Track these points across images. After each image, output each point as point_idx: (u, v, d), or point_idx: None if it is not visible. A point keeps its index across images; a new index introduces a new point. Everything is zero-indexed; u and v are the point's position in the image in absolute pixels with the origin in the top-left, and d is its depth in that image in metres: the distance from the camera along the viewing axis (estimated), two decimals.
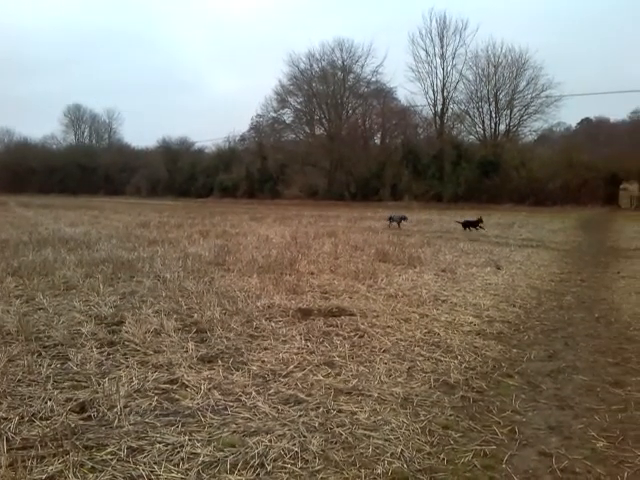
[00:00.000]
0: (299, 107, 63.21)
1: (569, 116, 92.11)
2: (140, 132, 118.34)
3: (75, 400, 3.85)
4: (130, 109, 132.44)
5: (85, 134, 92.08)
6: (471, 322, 6.53)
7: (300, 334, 5.67)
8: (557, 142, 56.82)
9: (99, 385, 4.12)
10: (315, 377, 4.49)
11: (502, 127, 53.93)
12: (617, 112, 76.10)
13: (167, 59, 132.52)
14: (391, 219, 21.93)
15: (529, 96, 51.76)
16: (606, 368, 5.12)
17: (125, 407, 3.77)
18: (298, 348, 5.23)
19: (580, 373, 4.94)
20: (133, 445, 3.27)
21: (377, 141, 62.26)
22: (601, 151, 46.88)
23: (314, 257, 11.18)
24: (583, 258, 13.65)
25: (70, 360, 4.67)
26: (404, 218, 21.58)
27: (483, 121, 54.28)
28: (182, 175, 71.58)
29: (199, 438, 3.38)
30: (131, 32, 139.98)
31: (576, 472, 3.21)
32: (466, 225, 20.07)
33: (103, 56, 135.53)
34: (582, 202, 41.47)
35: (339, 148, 56.52)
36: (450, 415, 3.90)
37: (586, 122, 64.03)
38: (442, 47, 54.85)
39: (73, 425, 3.48)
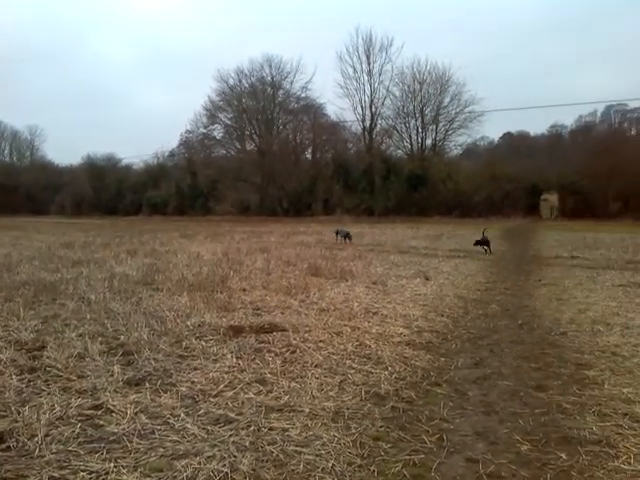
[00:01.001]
0: (229, 123, 62.70)
1: (492, 130, 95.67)
2: (66, 149, 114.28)
3: None
4: (55, 126, 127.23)
5: (5, 151, 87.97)
6: (401, 333, 6.64)
7: (231, 352, 5.60)
8: (481, 155, 59.23)
9: (19, 414, 3.92)
10: (246, 395, 4.43)
11: (428, 142, 55.38)
12: (537, 126, 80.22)
13: (94, 75, 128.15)
14: (338, 233, 21.60)
15: (453, 112, 53.51)
16: (529, 373, 5.31)
17: (46, 436, 3.60)
18: (229, 366, 5.17)
19: (505, 379, 5.10)
20: (55, 475, 3.14)
21: (308, 156, 62.48)
22: (522, 163, 48.87)
23: (246, 273, 11.10)
24: (507, 267, 14.20)
25: None
26: (348, 236, 21.03)
27: (410, 136, 55.59)
28: (109, 192, 69.32)
29: (125, 464, 3.26)
30: (55, 46, 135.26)
31: (502, 476, 3.30)
32: (481, 243, 18.20)
33: (25, 72, 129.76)
34: (506, 213, 43.01)
35: (270, 163, 56.40)
36: (381, 426, 3.94)
37: (508, 136, 66.74)
38: (369, 64, 55.83)
39: None
